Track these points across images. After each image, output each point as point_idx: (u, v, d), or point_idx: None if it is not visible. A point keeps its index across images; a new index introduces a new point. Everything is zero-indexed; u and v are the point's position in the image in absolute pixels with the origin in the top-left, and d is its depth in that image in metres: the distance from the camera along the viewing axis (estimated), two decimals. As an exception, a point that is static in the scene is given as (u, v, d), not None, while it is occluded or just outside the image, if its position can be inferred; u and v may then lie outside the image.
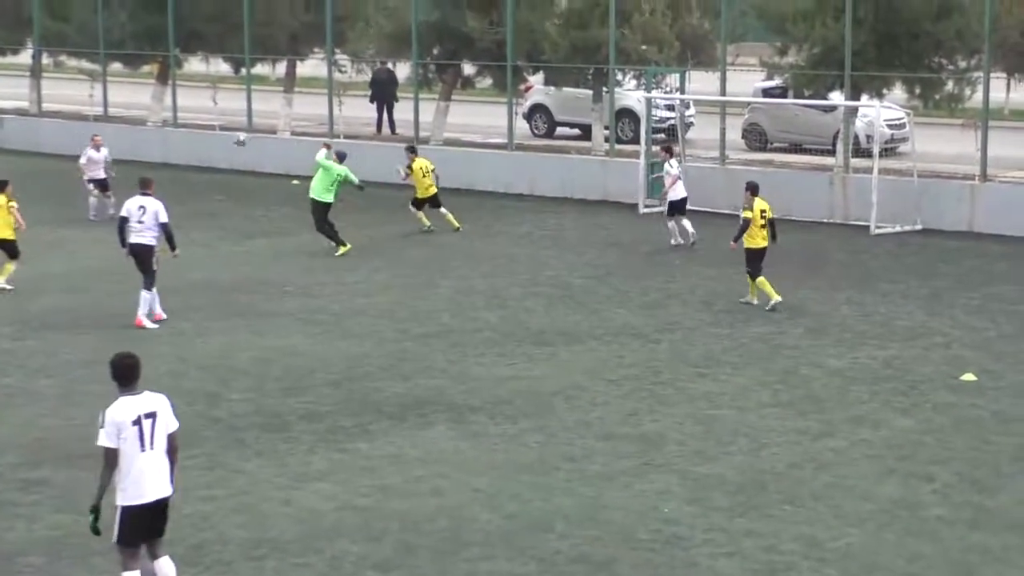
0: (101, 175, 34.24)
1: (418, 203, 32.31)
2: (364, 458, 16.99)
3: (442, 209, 32.15)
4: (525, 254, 29.57)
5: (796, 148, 41.07)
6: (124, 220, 23.67)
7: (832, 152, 37.57)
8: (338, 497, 15.69)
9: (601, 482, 16.18)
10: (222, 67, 47.28)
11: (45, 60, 50.57)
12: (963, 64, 35.06)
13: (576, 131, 45.21)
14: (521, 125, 43.51)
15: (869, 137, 36.08)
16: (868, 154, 33.97)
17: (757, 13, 37.36)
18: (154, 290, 23.42)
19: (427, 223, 32.02)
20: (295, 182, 39.54)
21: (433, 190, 32.21)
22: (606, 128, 39.61)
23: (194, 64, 48.96)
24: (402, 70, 45.04)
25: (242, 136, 27.20)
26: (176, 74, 45.85)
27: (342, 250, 29.38)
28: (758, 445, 17.43)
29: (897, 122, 39.00)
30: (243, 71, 44.56)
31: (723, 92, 36.84)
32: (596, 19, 38.02)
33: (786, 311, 24.32)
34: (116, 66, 48.71)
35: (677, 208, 30.52)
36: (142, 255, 23.40)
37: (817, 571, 13.74)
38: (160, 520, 12.55)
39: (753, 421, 18.37)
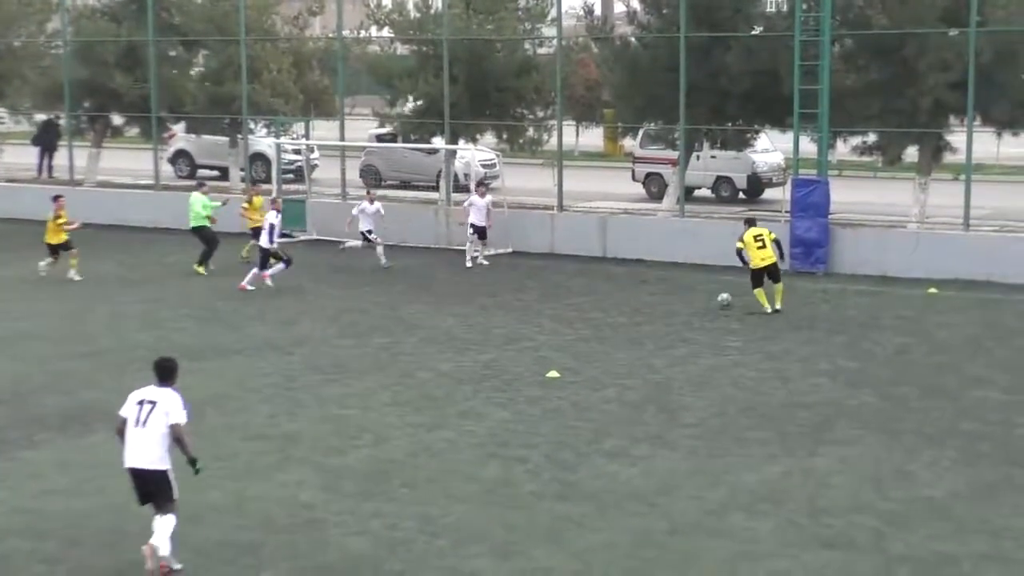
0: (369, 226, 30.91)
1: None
2: (31, 465, 16.39)
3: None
4: (174, 282, 28.99)
5: (406, 185, 41.51)
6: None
7: (436, 188, 38.10)
8: (7, 502, 15.07)
9: (246, 476, 16.00)
10: None
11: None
12: (541, 114, 36.13)
13: (216, 173, 44.61)
14: (166, 168, 42.69)
15: (467, 175, 36.74)
16: (466, 189, 34.53)
17: (369, 70, 37.60)
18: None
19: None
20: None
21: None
22: (242, 170, 39.24)
23: None
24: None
25: (726, 297, 26.01)
26: None
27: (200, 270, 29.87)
28: (381, 439, 17.51)
29: (489, 162, 39.85)
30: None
31: (342, 138, 36.95)
32: (230, 76, 37.65)
33: (402, 324, 24.54)
34: None
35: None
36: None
37: (431, 543, 13.90)
38: (148, 486, 13.10)
39: (376, 418, 18.45)
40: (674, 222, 32.60)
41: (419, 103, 35.74)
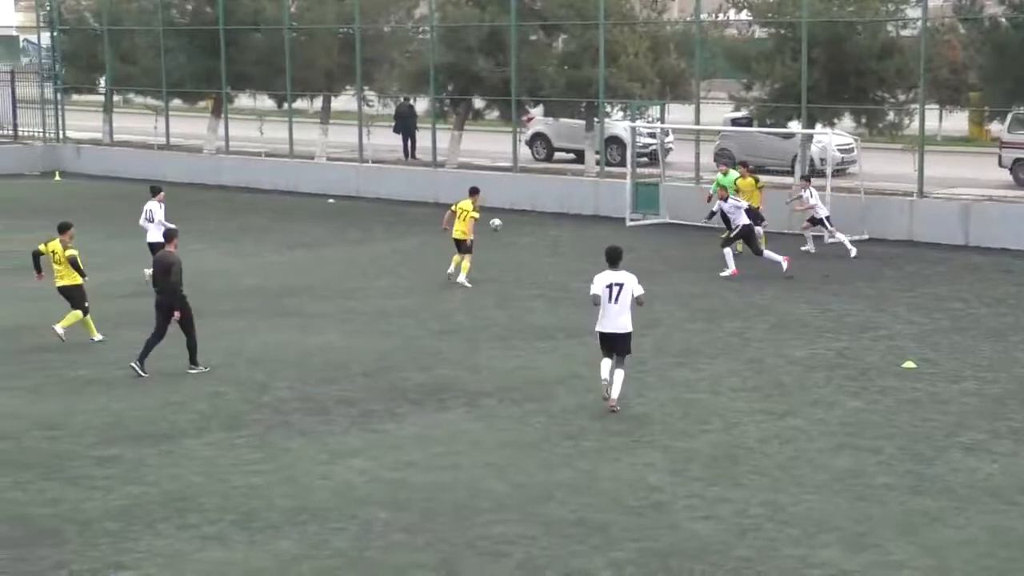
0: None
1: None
2: (392, 437, 16.97)
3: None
4: (529, 261, 29.51)
5: (760, 169, 41.02)
6: None
7: (791, 173, 37.54)
8: (369, 471, 15.67)
9: (595, 456, 16.16)
10: (267, 102, 47.25)
11: (115, 97, 50.59)
12: (902, 97, 35.07)
13: (571, 156, 45.15)
14: (524, 151, 43.49)
15: (823, 160, 36.04)
16: (822, 174, 33.91)
17: (726, 54, 37.30)
18: None
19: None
20: (330, 200, 39.57)
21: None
22: (597, 153, 39.59)
23: (243, 100, 48.99)
24: (421, 104, 45.03)
25: (497, 222, 26.75)
26: (228, 108, 45.83)
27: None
28: (730, 424, 17.40)
29: (846, 147, 38.97)
30: (285, 105, 44.61)
31: (697, 121, 36.82)
32: (588, 60, 38.01)
33: (754, 309, 24.29)
34: (176, 102, 48.71)
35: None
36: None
37: (780, 531, 13.72)
38: (618, 343, 17.84)
39: (726, 404, 18.34)
40: (1042, 210, 31.13)
41: (775, 86, 35.26)
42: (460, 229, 26.71)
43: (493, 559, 13.11)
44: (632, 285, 17.69)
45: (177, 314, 19.79)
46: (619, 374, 17.79)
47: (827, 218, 30.04)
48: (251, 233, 33.33)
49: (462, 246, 26.80)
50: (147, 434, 17.03)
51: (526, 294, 25.90)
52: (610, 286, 17.64)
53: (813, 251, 30.11)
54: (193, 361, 20.11)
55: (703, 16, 36.73)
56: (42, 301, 25.38)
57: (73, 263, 21.83)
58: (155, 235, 25.60)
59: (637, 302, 17.79)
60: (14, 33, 79.55)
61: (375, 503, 14.60)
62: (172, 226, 22.88)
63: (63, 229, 22.21)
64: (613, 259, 17.91)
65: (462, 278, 26.54)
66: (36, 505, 14.63)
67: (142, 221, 27.07)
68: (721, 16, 37.81)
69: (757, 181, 30.51)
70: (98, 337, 22.22)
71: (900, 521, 13.99)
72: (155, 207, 26.92)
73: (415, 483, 15.23)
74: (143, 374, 19.82)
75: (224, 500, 14.67)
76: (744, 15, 37.15)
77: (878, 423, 17.39)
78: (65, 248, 21.91)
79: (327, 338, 22.28)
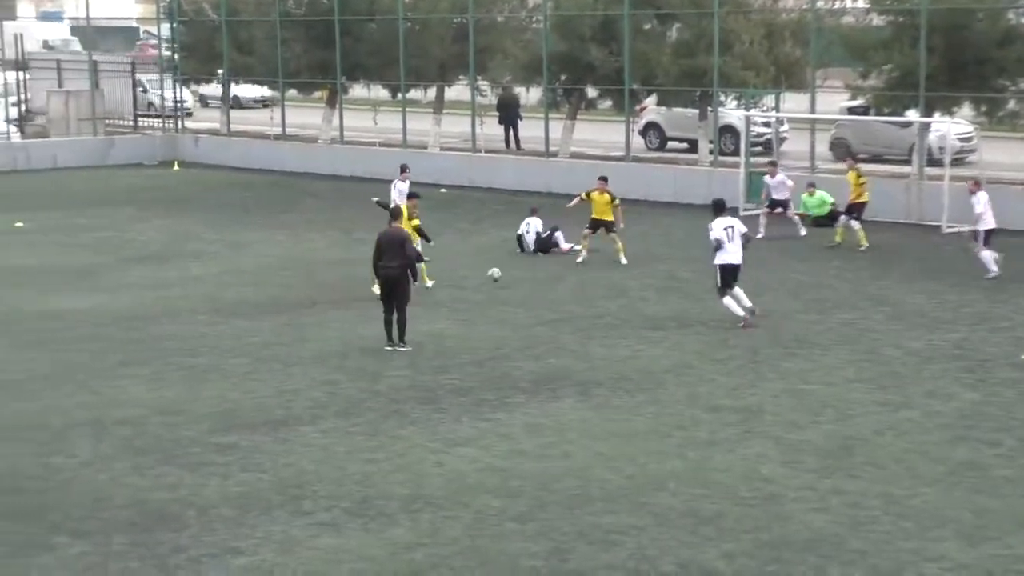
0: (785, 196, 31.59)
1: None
2: (503, 426, 17.04)
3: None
4: (641, 251, 29.36)
5: (877, 159, 40.55)
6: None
7: (908, 162, 37.07)
8: (481, 460, 15.74)
9: (707, 447, 16.10)
10: (381, 92, 47.57)
11: (233, 88, 51.23)
12: (1023, 85, 34.44)
13: (685, 145, 44.95)
14: (637, 140, 43.35)
15: (941, 149, 35.54)
16: (940, 163, 33.44)
17: (842, 42, 36.86)
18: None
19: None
20: (443, 190, 39.76)
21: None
22: (711, 142, 39.38)
23: (357, 90, 49.38)
24: (534, 94, 45.01)
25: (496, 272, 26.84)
26: (343, 99, 46.22)
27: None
28: (844, 415, 17.24)
29: (966, 136, 38.41)
30: (399, 96, 44.88)
31: (813, 110, 36.47)
32: (702, 49, 37.77)
33: (869, 299, 24.03)
34: (292, 93, 49.22)
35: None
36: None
37: (895, 524, 13.58)
38: (739, 272, 22.00)
39: (840, 394, 18.17)
40: None
41: (893, 75, 34.79)
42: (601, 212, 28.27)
43: (604, 548, 13.13)
44: (739, 225, 22.09)
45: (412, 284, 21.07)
46: (740, 291, 22.07)
47: (782, 204, 31.44)
48: (362, 222, 33.52)
49: (606, 226, 28.16)
50: (263, 421, 17.27)
51: (638, 284, 25.84)
52: (727, 229, 21.89)
53: (803, 233, 30.92)
54: (402, 339, 20.86)
55: (819, 3, 36.35)
56: (161, 289, 25.87)
57: (419, 231, 24.86)
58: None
59: (745, 238, 21.95)
60: (134, 24, 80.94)
61: (487, 492, 14.67)
62: (400, 204, 25.42)
63: (410, 197, 25.65)
64: (721, 208, 22.25)
65: (622, 258, 27.99)
66: (155, 490, 14.91)
67: (394, 196, 29.18)
68: (838, 3, 37.40)
69: (859, 175, 30.12)
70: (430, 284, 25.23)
71: (1019, 514, 13.78)
72: (403, 187, 29.24)
73: (526, 472, 15.28)
74: (406, 349, 20.77)
75: (338, 487, 14.85)
76: (861, 2, 36.72)
77: (997, 415, 17.12)
78: (411, 217, 24.37)
79: (439, 326, 22.41)
